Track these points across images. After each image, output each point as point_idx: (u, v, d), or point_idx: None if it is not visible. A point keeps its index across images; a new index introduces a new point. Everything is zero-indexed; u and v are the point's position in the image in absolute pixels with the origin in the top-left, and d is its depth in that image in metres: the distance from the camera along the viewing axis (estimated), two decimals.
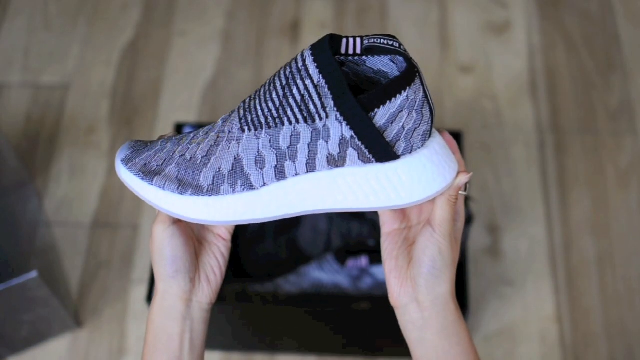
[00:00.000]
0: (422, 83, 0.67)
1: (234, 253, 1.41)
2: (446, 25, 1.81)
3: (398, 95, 0.66)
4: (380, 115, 0.66)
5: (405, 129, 0.67)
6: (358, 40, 0.69)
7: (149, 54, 1.79)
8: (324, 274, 1.31)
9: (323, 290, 1.32)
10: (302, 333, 1.37)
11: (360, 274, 1.33)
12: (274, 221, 1.43)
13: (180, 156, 0.72)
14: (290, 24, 1.82)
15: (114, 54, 1.79)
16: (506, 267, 1.49)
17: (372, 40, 0.68)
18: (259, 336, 1.38)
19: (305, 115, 0.66)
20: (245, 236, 1.42)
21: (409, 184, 0.69)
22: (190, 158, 0.72)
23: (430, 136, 0.70)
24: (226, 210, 0.72)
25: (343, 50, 0.69)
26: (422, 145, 0.69)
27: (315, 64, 0.66)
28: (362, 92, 0.68)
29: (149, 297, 1.24)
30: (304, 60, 0.66)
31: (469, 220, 1.28)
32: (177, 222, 0.77)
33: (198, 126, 1.40)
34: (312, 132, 0.67)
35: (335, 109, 0.65)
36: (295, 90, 0.67)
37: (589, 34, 1.78)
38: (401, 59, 0.68)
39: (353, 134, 0.66)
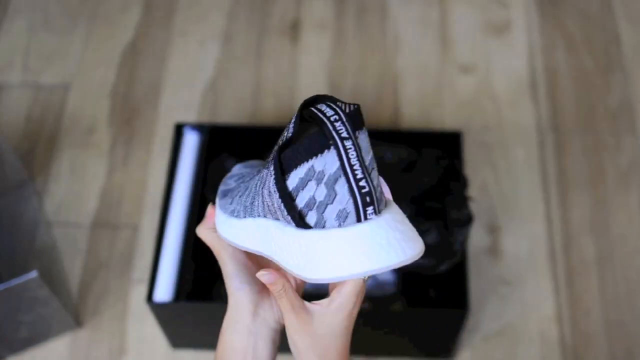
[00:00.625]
0: (340, 157, 0.64)
1: None
2: (446, 25, 1.81)
3: (305, 163, 0.64)
4: (292, 178, 0.65)
5: (317, 200, 0.65)
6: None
7: (149, 54, 1.79)
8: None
9: (323, 290, 1.32)
10: None
11: None
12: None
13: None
14: (290, 24, 1.83)
15: (114, 54, 1.79)
16: (506, 267, 1.50)
17: (311, 110, 0.66)
18: None
19: (266, 163, 0.70)
20: None
21: (316, 260, 0.66)
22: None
23: (359, 220, 0.65)
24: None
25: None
26: (337, 225, 0.65)
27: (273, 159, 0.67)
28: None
29: (149, 297, 1.25)
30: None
31: (469, 220, 1.28)
32: None
33: (198, 126, 1.41)
34: (259, 177, 0.71)
35: (272, 161, 0.66)
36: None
37: (589, 34, 1.79)
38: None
39: (275, 188, 0.66)
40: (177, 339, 1.39)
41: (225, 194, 0.81)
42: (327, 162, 0.63)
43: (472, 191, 1.52)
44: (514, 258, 1.50)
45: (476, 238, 1.51)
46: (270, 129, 1.43)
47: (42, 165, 1.64)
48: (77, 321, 1.45)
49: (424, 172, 1.32)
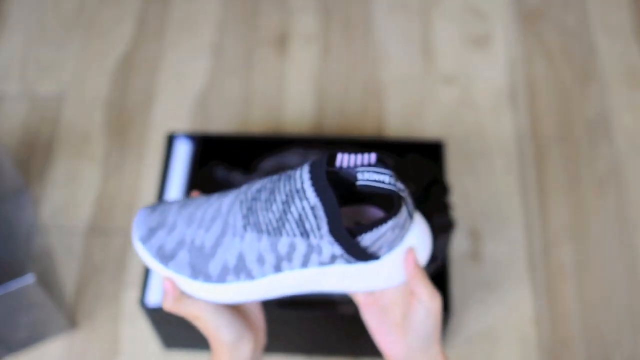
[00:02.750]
0: (406, 207, 0.74)
1: None
2: (429, 38, 1.82)
3: (384, 224, 0.73)
4: (367, 239, 0.73)
5: (388, 241, 0.75)
6: (352, 160, 0.76)
7: (142, 65, 1.80)
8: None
9: (310, 294, 1.34)
10: (290, 335, 1.37)
11: None
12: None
13: (190, 242, 0.79)
14: (278, 37, 1.84)
15: (108, 65, 1.80)
16: (487, 271, 1.50)
17: (366, 176, 0.75)
18: None
19: (302, 231, 0.73)
20: None
21: (387, 275, 0.78)
22: (200, 246, 0.79)
23: (409, 229, 0.78)
24: (230, 295, 0.80)
25: (338, 165, 0.76)
26: (401, 242, 0.78)
27: (313, 188, 0.72)
28: (356, 194, 0.77)
29: (142, 300, 1.25)
30: (302, 183, 0.73)
31: (450, 226, 1.29)
32: None
33: (189, 136, 1.42)
34: (307, 246, 0.74)
35: (329, 234, 0.73)
36: (293, 209, 0.73)
37: (567, 46, 1.80)
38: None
39: (343, 252, 0.74)
40: (169, 340, 1.39)
41: (182, 258, 0.81)
42: (401, 215, 0.74)
43: (454, 198, 1.54)
44: (494, 263, 1.51)
45: (458, 244, 1.53)
46: (258, 137, 1.44)
47: (38, 172, 1.65)
48: (72, 323, 1.45)
49: (407, 180, 1.33)
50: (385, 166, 0.76)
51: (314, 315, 1.29)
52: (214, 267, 0.79)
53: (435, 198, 1.30)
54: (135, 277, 1.51)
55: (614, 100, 1.72)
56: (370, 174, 0.75)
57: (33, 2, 1.91)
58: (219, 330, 0.82)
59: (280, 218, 0.74)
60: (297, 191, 0.73)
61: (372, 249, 0.75)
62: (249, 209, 0.77)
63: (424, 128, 1.69)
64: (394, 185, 0.75)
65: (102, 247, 1.56)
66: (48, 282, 1.48)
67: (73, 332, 1.46)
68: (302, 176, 0.74)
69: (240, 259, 0.77)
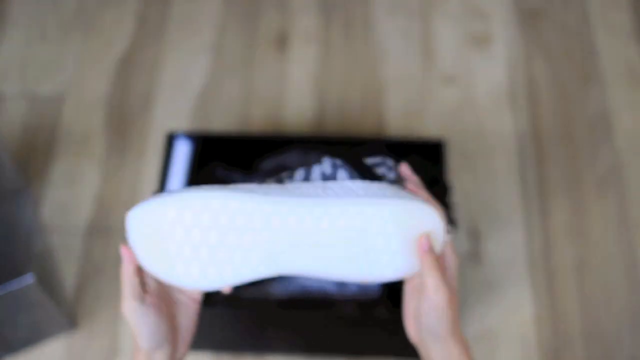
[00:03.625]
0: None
1: None
2: (429, 38, 1.83)
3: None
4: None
5: (388, 166, 0.84)
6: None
7: (142, 65, 1.80)
8: (311, 279, 1.32)
9: (310, 294, 1.33)
10: (291, 335, 1.37)
11: None
12: None
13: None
14: (278, 37, 1.84)
15: (108, 65, 1.80)
16: (487, 271, 1.51)
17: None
18: (248, 338, 1.38)
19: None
20: None
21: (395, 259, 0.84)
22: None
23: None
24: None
25: None
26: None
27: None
28: None
29: None
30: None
31: (451, 225, 1.29)
32: (147, 299, 0.84)
33: (189, 135, 1.42)
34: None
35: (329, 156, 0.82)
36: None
37: (567, 46, 1.80)
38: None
39: (342, 162, 0.81)
40: None
41: None
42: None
43: (455, 198, 1.53)
44: (495, 263, 1.52)
45: (458, 244, 1.53)
46: (259, 138, 1.45)
47: (39, 172, 1.65)
48: (73, 323, 1.46)
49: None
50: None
51: (314, 315, 1.29)
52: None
53: (436, 198, 1.30)
54: None
55: (614, 100, 1.72)
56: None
57: (33, 2, 1.91)
58: (139, 335, 0.85)
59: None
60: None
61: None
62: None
63: (424, 128, 1.69)
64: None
65: (102, 247, 1.56)
66: (48, 282, 1.48)
67: (73, 331, 1.46)
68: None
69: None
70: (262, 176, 1.36)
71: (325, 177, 0.81)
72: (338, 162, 0.82)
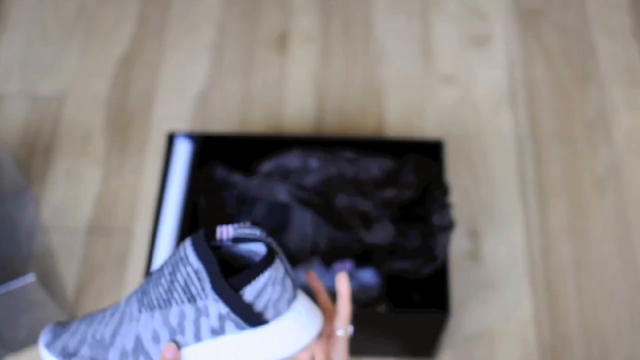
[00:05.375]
0: (281, 262, 0.78)
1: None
2: (428, 38, 1.83)
3: (261, 275, 0.76)
4: (249, 292, 0.76)
5: (272, 299, 0.77)
6: (230, 229, 0.79)
7: (143, 65, 1.81)
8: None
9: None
10: None
11: None
12: (262, 227, 1.45)
13: (91, 337, 0.82)
14: (279, 37, 1.85)
15: (108, 65, 1.81)
16: (486, 270, 1.51)
17: (238, 232, 0.79)
18: None
19: (189, 297, 0.76)
20: None
21: (279, 343, 0.80)
22: (100, 339, 0.82)
23: (295, 299, 0.80)
24: None
25: (218, 237, 0.79)
26: (287, 309, 0.79)
27: (195, 253, 0.76)
28: (236, 270, 0.80)
29: None
30: (185, 251, 0.77)
31: (450, 226, 1.29)
32: None
33: (189, 135, 1.43)
34: (195, 310, 0.77)
35: (213, 291, 0.76)
36: (179, 276, 0.76)
37: (566, 46, 1.81)
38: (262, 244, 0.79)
39: (229, 310, 0.76)
40: None
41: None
42: (277, 267, 0.77)
43: (454, 198, 1.53)
44: (493, 262, 1.52)
45: (457, 243, 1.53)
46: (258, 137, 1.45)
47: (39, 172, 1.65)
48: None
49: (407, 181, 1.34)
50: (259, 227, 0.81)
51: None
52: (113, 355, 0.81)
53: (435, 198, 1.31)
54: (135, 277, 1.52)
55: (613, 100, 1.73)
56: (242, 230, 0.80)
57: (34, 2, 1.92)
58: None
59: (169, 289, 0.77)
60: (181, 259, 0.77)
61: (258, 308, 0.78)
62: (143, 291, 0.80)
63: (424, 128, 1.69)
64: (266, 238, 0.80)
65: (102, 246, 1.56)
66: (49, 282, 1.49)
67: None
68: (185, 246, 0.78)
69: (138, 341, 0.80)
70: (262, 178, 1.36)
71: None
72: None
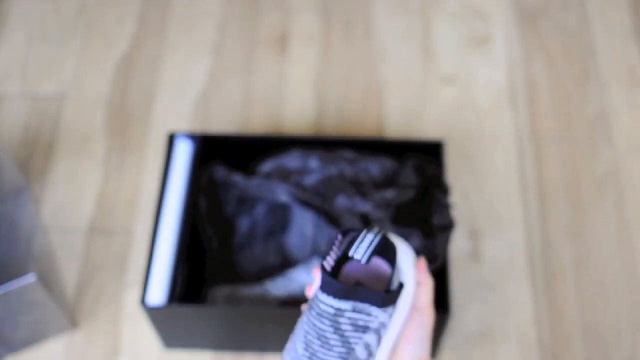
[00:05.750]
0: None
1: (225, 257, 1.44)
2: (429, 38, 1.83)
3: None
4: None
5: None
6: (330, 258, 0.80)
7: (143, 65, 1.81)
8: (311, 277, 1.32)
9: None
10: (290, 334, 1.37)
11: None
12: (262, 227, 1.46)
13: None
14: (279, 37, 1.85)
15: (109, 65, 1.81)
16: (486, 271, 1.51)
17: (360, 252, 0.78)
18: (249, 337, 1.39)
19: (363, 329, 0.77)
20: (235, 241, 1.44)
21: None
22: None
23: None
24: None
25: (329, 269, 0.80)
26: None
27: (332, 297, 0.75)
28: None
29: (142, 300, 1.26)
30: (325, 303, 0.76)
31: (450, 226, 1.29)
32: None
33: (189, 135, 1.42)
34: (374, 333, 0.78)
35: (380, 309, 0.77)
36: (343, 326, 0.76)
37: (567, 46, 1.81)
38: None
39: (393, 306, 0.79)
40: (170, 340, 1.40)
41: None
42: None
43: (454, 198, 1.54)
44: (494, 263, 1.52)
45: (457, 243, 1.54)
46: (258, 137, 1.45)
47: (40, 172, 1.65)
48: (73, 322, 1.46)
49: (408, 181, 1.34)
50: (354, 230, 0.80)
51: None
52: None
53: (435, 198, 1.31)
54: (135, 277, 1.52)
55: (613, 100, 1.73)
56: (361, 248, 0.78)
57: (34, 2, 1.92)
58: None
59: (344, 342, 0.77)
60: (331, 311, 0.76)
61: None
62: None
63: (424, 128, 1.69)
64: (375, 232, 0.79)
65: (103, 246, 1.56)
66: (49, 282, 1.49)
67: (74, 331, 1.47)
68: (320, 299, 0.76)
69: None
70: (262, 179, 1.36)
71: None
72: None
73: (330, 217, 1.33)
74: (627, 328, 1.46)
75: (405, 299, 0.82)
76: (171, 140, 1.42)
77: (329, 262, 0.79)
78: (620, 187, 1.61)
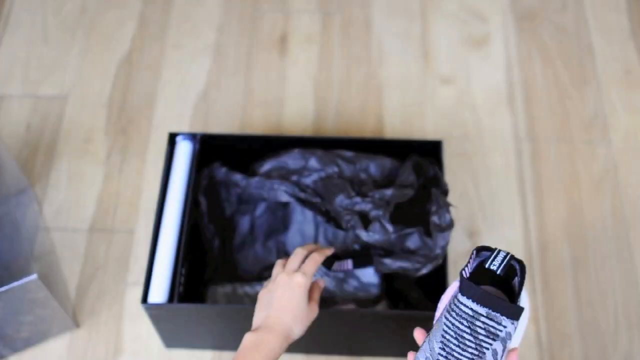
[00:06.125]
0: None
1: (225, 256, 1.44)
2: (428, 39, 1.84)
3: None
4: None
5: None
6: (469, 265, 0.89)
7: (144, 66, 1.81)
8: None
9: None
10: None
11: (345, 276, 1.36)
12: (262, 227, 1.46)
13: None
14: (279, 38, 1.85)
15: (110, 66, 1.81)
16: None
17: (497, 264, 0.88)
18: None
19: (494, 337, 0.84)
20: (236, 240, 1.45)
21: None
22: None
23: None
24: None
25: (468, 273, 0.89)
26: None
27: (471, 300, 0.83)
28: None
29: (144, 299, 1.26)
30: (468, 307, 0.84)
31: (449, 225, 1.29)
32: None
33: (190, 135, 1.43)
34: (501, 342, 0.84)
35: (509, 319, 0.84)
36: (479, 329, 0.83)
37: (564, 47, 1.81)
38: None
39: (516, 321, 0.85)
40: (171, 339, 1.40)
41: None
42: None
43: (453, 198, 1.55)
44: None
45: (456, 242, 1.54)
46: (258, 137, 1.45)
47: (42, 172, 1.66)
48: (75, 322, 1.47)
49: (407, 180, 1.35)
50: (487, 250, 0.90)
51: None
52: None
53: (434, 198, 1.31)
54: (137, 277, 1.53)
55: (610, 100, 1.74)
56: (496, 260, 0.88)
57: (35, 3, 1.92)
58: (306, 324, 1.09)
59: (477, 344, 0.84)
60: (470, 315, 0.84)
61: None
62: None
63: (423, 128, 1.70)
64: (506, 252, 0.89)
65: (104, 246, 1.57)
66: (51, 281, 1.48)
67: (76, 330, 1.47)
68: (460, 301, 0.84)
69: None
70: (262, 178, 1.36)
71: None
72: None
73: (330, 216, 1.34)
74: (624, 326, 1.46)
75: (523, 321, 0.90)
76: (172, 140, 1.42)
77: (467, 272, 0.88)
78: (618, 186, 1.62)
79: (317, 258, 1.14)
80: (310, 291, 1.14)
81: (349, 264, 1.28)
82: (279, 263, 1.15)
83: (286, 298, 1.08)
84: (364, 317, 1.29)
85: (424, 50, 1.82)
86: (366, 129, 1.70)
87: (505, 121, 1.71)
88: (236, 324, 1.32)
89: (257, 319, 1.08)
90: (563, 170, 1.64)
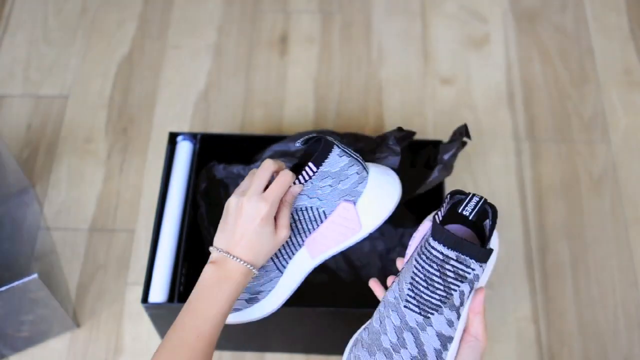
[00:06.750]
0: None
1: None
2: (428, 39, 1.84)
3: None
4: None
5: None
6: (306, 171, 0.95)
7: (144, 66, 1.81)
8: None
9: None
10: (290, 334, 1.38)
11: None
12: None
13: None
14: (279, 38, 1.85)
15: (110, 66, 1.81)
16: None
17: (469, 210, 0.90)
18: (249, 336, 1.39)
19: (462, 278, 0.86)
20: None
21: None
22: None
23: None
24: None
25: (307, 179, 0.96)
26: None
27: (442, 245, 0.85)
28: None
29: (144, 298, 1.26)
30: (438, 251, 0.85)
31: (409, 135, 1.28)
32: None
33: (190, 135, 1.43)
34: (468, 284, 0.87)
35: (478, 262, 0.86)
36: (448, 272, 0.85)
37: (564, 47, 1.82)
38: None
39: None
40: None
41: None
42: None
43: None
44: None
45: None
46: (259, 137, 1.45)
47: (42, 172, 1.66)
48: (76, 321, 1.47)
49: (392, 150, 1.32)
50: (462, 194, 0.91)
51: (315, 313, 1.29)
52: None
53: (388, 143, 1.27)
54: (137, 276, 1.53)
55: (610, 100, 1.74)
56: (469, 206, 0.90)
57: (36, 3, 1.92)
58: (268, 256, 0.98)
59: (445, 286, 0.86)
60: (441, 260, 0.86)
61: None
62: (416, 299, 0.88)
63: (423, 128, 1.70)
64: (479, 196, 0.90)
65: (105, 246, 1.57)
66: (51, 281, 1.49)
67: (76, 330, 1.47)
68: (431, 244, 0.86)
69: (441, 337, 0.88)
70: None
71: None
72: None
73: None
74: (624, 326, 1.46)
75: (490, 264, 0.92)
76: (172, 140, 1.42)
77: (439, 217, 0.90)
78: (617, 186, 1.62)
79: (284, 180, 0.96)
80: (277, 214, 0.97)
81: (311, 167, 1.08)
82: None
83: (248, 231, 0.95)
84: (364, 318, 1.26)
85: (424, 50, 1.82)
86: (366, 129, 1.70)
87: (505, 121, 1.71)
88: (235, 325, 1.32)
89: (217, 242, 0.97)
90: (563, 169, 1.64)
